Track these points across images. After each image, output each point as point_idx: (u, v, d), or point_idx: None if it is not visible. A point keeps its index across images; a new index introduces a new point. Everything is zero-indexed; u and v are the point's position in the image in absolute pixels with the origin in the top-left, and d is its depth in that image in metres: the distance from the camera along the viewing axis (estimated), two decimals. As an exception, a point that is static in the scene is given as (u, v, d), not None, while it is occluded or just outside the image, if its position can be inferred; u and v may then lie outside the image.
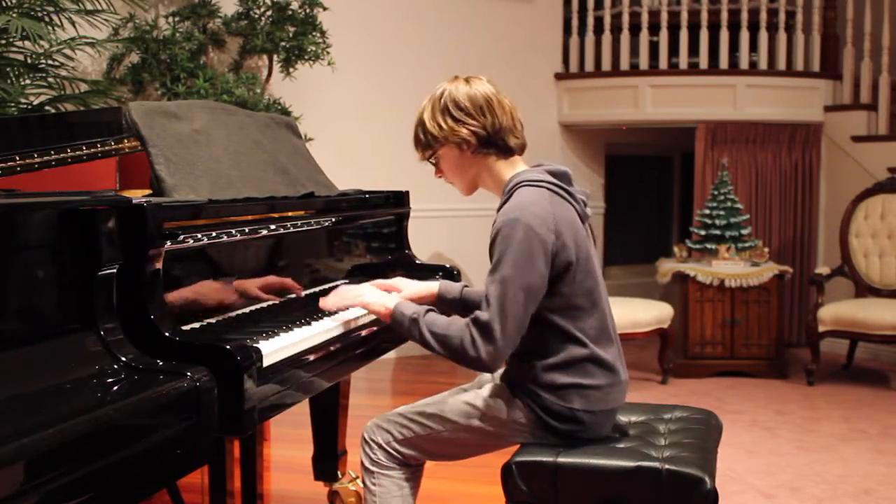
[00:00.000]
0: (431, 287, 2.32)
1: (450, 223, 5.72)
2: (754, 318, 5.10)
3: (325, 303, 2.20)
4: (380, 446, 2.10)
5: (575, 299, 2.00)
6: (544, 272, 1.94)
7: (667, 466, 1.93)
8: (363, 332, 2.20)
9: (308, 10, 4.45)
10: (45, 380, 1.47)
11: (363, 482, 2.16)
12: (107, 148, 2.21)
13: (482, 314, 1.91)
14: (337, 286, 2.32)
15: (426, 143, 2.11)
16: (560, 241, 1.96)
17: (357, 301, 2.15)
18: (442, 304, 2.28)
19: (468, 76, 2.11)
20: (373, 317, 2.20)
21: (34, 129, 2.27)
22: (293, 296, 2.23)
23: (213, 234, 1.90)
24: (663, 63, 5.97)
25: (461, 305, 2.27)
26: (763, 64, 5.90)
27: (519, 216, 1.92)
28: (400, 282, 2.31)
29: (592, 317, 2.03)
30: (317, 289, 2.37)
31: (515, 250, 1.90)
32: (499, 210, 2.03)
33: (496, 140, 2.06)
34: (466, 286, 2.34)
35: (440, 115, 2.07)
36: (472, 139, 2.05)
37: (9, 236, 1.49)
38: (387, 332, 2.23)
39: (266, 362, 1.74)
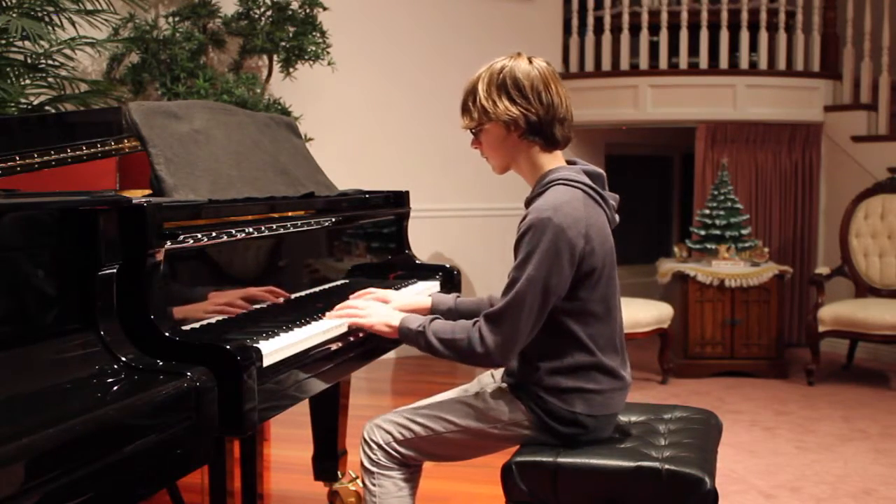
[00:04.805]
0: (424, 301, 2.29)
1: (450, 223, 5.71)
2: (754, 318, 5.09)
3: (330, 315, 2.17)
4: (379, 447, 2.10)
5: (591, 305, 1.99)
6: (568, 275, 1.92)
7: (667, 466, 1.93)
8: (363, 333, 2.19)
9: (308, 10, 4.45)
10: (45, 380, 1.47)
11: (363, 482, 2.15)
12: (107, 148, 2.20)
13: (497, 307, 1.91)
14: (336, 294, 2.29)
15: (474, 115, 2.04)
16: (589, 246, 1.94)
17: (362, 324, 2.11)
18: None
19: (530, 56, 2.03)
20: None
21: (34, 129, 2.26)
22: (296, 295, 2.23)
23: (213, 234, 1.90)
24: (663, 63, 5.97)
25: (455, 316, 2.22)
26: (763, 64, 5.90)
27: (552, 216, 1.90)
28: (390, 294, 2.29)
29: (604, 325, 2.02)
30: (304, 292, 2.36)
31: (543, 250, 1.89)
32: (528, 202, 2.01)
33: (545, 129, 2.00)
34: (459, 296, 2.32)
35: (496, 90, 2.00)
36: (522, 122, 1.99)
37: (9, 236, 1.49)
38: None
39: (266, 362, 1.74)
